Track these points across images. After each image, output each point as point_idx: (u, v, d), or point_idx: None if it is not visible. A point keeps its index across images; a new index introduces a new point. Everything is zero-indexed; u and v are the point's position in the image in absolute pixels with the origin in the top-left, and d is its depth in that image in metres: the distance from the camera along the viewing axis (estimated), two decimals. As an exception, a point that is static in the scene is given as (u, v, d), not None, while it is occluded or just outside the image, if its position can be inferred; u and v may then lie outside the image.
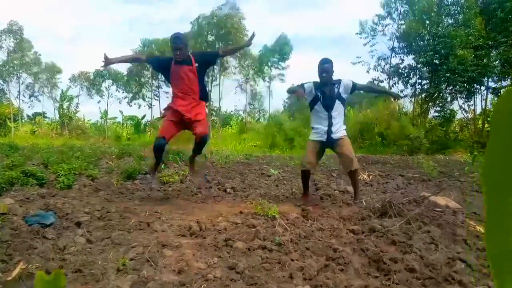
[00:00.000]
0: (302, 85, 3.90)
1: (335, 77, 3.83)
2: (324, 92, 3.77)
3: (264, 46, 24.00)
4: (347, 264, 2.05)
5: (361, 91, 3.96)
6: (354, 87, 3.81)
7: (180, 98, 3.73)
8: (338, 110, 3.78)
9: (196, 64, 3.71)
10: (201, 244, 2.43)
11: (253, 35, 3.93)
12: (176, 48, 3.53)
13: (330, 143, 3.79)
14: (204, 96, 3.89)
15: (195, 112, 3.74)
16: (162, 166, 6.19)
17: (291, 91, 4.07)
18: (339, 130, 3.77)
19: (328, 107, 3.75)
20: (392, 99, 3.84)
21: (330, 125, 3.74)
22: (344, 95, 3.79)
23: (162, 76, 3.93)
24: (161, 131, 3.82)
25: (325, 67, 3.75)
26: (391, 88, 17.50)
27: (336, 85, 3.77)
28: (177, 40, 3.54)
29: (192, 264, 2.06)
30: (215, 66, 22.05)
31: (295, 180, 5.70)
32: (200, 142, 3.87)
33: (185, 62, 3.64)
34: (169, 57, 3.79)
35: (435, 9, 14.38)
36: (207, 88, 4.00)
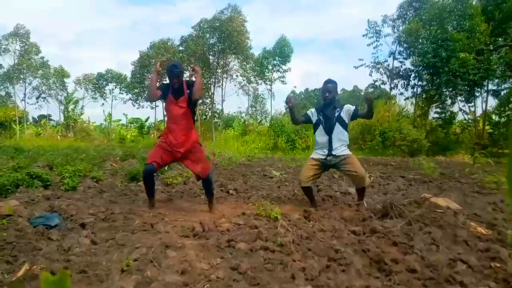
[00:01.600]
0: (306, 114, 4.00)
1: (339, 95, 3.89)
2: (325, 114, 3.79)
3: (263, 49, 24.16)
4: (349, 265, 2.07)
5: (362, 116, 3.91)
6: (356, 114, 3.76)
7: (173, 130, 3.66)
8: (339, 134, 3.73)
9: (188, 91, 3.66)
10: (204, 245, 2.46)
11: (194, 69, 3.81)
12: (173, 75, 3.56)
13: (332, 162, 3.72)
14: (191, 125, 3.79)
15: (186, 144, 3.63)
16: (166, 168, 6.23)
17: (291, 111, 4.01)
18: (341, 149, 3.71)
19: (329, 129, 3.75)
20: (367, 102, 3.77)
21: (330, 149, 3.72)
22: (345, 119, 3.75)
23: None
24: (150, 156, 3.65)
25: (328, 87, 3.76)
26: (391, 90, 17.55)
27: (338, 109, 3.77)
28: (174, 67, 3.58)
29: (195, 265, 2.08)
30: (217, 69, 22.15)
31: (297, 181, 5.71)
32: (205, 183, 3.75)
33: (179, 92, 3.64)
34: (166, 85, 3.74)
35: (438, 14, 14.37)
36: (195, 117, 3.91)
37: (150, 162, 3.57)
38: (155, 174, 3.99)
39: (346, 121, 3.78)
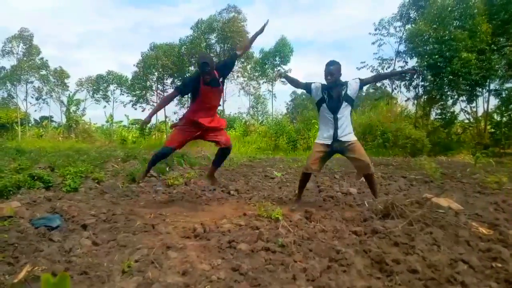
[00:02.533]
0: (309, 84, 3.89)
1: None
2: (330, 94, 3.70)
3: (261, 49, 24.21)
4: (350, 265, 2.07)
5: (370, 84, 3.87)
6: (362, 83, 3.73)
7: (203, 112, 3.78)
8: (344, 112, 3.68)
9: (221, 79, 3.78)
10: (205, 245, 2.46)
11: (266, 23, 3.90)
12: (204, 73, 3.57)
13: (338, 148, 3.71)
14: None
15: (216, 121, 3.84)
16: (167, 169, 6.23)
17: (288, 78, 4.09)
18: (346, 134, 3.68)
19: (334, 109, 3.67)
20: (408, 76, 3.78)
21: (336, 128, 3.66)
22: (353, 96, 3.70)
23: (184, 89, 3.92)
24: (171, 140, 3.84)
25: (331, 69, 3.65)
26: (393, 91, 17.49)
27: (344, 86, 3.68)
28: (205, 66, 3.55)
29: (196, 266, 2.09)
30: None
31: (298, 182, 5.71)
32: (226, 152, 3.97)
33: (213, 83, 3.70)
34: (196, 76, 3.76)
35: (438, 13, 14.33)
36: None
37: (170, 146, 3.79)
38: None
39: (354, 98, 3.73)
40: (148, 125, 24.75)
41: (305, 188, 4.06)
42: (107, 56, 62.18)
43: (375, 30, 17.20)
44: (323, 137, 3.79)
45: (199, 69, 3.63)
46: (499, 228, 2.68)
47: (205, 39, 20.96)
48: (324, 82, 3.79)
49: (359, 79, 3.77)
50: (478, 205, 3.72)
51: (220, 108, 23.96)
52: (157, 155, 3.90)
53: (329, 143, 3.73)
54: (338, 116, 3.67)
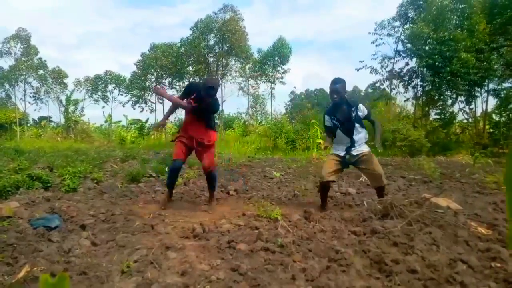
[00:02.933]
0: (326, 125, 3.84)
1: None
2: (339, 119, 3.67)
3: (259, 49, 24.23)
4: (349, 266, 2.07)
5: (367, 120, 3.88)
6: (369, 117, 3.75)
7: (192, 124, 3.85)
8: (359, 133, 3.68)
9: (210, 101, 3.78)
10: (205, 246, 2.46)
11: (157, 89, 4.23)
12: (209, 96, 3.59)
13: (351, 159, 3.67)
14: (212, 125, 3.99)
15: (207, 136, 3.86)
16: (166, 169, 6.23)
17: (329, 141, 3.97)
18: (360, 149, 3.67)
19: (349, 132, 3.65)
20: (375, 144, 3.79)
21: (349, 148, 3.67)
22: (362, 117, 3.71)
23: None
24: (177, 153, 3.87)
25: (336, 87, 3.60)
26: (391, 91, 17.53)
27: (354, 108, 3.65)
28: (211, 90, 3.57)
29: (196, 266, 2.08)
30: (217, 71, 22.20)
31: (297, 182, 5.72)
32: (209, 177, 3.98)
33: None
34: (196, 88, 3.80)
35: (436, 13, 14.36)
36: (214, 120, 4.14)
37: (178, 158, 3.84)
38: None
39: (362, 120, 3.73)
40: (147, 125, 24.82)
41: (326, 197, 3.91)
42: (107, 57, 62.25)
43: (375, 30, 17.22)
44: (336, 149, 3.79)
45: (203, 91, 3.60)
46: (498, 228, 2.69)
47: (204, 39, 20.96)
48: (326, 109, 3.85)
49: (368, 111, 3.78)
50: (477, 205, 3.74)
51: (219, 109, 24.05)
52: (170, 172, 3.96)
53: (342, 154, 3.71)
54: (355, 138, 3.67)
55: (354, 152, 3.64)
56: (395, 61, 17.11)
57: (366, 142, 3.80)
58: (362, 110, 3.69)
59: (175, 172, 3.94)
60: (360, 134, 3.69)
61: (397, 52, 16.95)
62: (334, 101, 3.66)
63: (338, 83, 3.63)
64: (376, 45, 17.20)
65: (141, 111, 26.18)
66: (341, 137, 3.73)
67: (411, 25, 15.47)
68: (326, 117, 3.82)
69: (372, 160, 3.64)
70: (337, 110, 3.69)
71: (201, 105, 3.67)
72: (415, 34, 14.59)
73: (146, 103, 25.83)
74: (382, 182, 3.63)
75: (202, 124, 3.85)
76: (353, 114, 3.63)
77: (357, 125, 3.66)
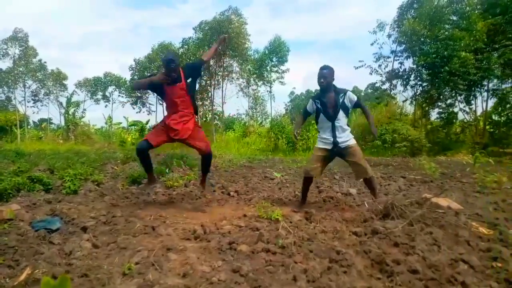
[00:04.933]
0: (305, 109, 3.96)
1: (339, 85, 3.81)
2: (324, 102, 3.74)
3: (255, 50, 24.24)
4: (350, 266, 2.07)
5: (360, 108, 3.96)
6: (358, 103, 3.77)
7: (173, 114, 3.77)
8: (342, 119, 3.72)
9: (188, 80, 3.75)
10: (206, 247, 2.46)
11: (225, 37, 4.24)
12: (170, 69, 3.53)
13: (338, 152, 3.74)
14: (195, 110, 3.90)
15: (186, 127, 3.74)
16: (167, 171, 6.23)
17: (298, 127, 4.11)
18: (345, 140, 3.72)
19: (331, 117, 3.71)
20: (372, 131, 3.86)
21: (334, 136, 3.71)
22: (349, 106, 3.75)
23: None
24: (147, 135, 3.82)
25: (323, 73, 3.70)
26: (390, 91, 17.53)
27: (341, 95, 3.71)
28: (171, 62, 3.52)
29: (197, 268, 2.09)
30: (218, 72, 22.17)
31: (298, 183, 5.71)
32: (207, 158, 3.93)
33: (177, 81, 3.65)
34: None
35: (433, 12, 14.38)
36: (196, 102, 4.02)
37: (145, 139, 3.72)
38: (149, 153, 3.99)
39: (349, 109, 3.78)
40: (147, 127, 24.83)
41: (308, 192, 4.05)
42: (108, 57, 62.40)
43: (374, 30, 17.25)
44: (322, 142, 3.83)
45: (164, 66, 3.56)
46: (499, 228, 2.69)
47: (208, 40, 20.94)
48: (312, 95, 3.85)
49: (357, 97, 3.82)
50: (477, 205, 3.73)
51: (219, 109, 24.00)
52: (136, 153, 3.81)
53: (329, 148, 3.76)
54: (336, 123, 3.72)
55: (342, 145, 3.70)
56: (393, 61, 17.16)
57: (351, 132, 3.86)
58: (351, 98, 3.74)
59: (139, 154, 3.76)
60: (342, 120, 3.73)
61: (394, 52, 17.01)
62: (321, 86, 3.73)
63: (325, 69, 3.72)
64: (371, 44, 17.29)
65: (138, 112, 26.16)
66: (323, 121, 3.78)
67: (405, 21, 15.49)
68: (310, 101, 3.92)
69: (358, 153, 3.72)
70: (323, 95, 3.76)
71: (171, 77, 3.57)
72: (409, 33, 14.60)
73: (144, 105, 25.81)
74: (366, 174, 3.70)
75: (182, 112, 3.75)
76: (340, 100, 3.70)
77: (341, 112, 3.71)
